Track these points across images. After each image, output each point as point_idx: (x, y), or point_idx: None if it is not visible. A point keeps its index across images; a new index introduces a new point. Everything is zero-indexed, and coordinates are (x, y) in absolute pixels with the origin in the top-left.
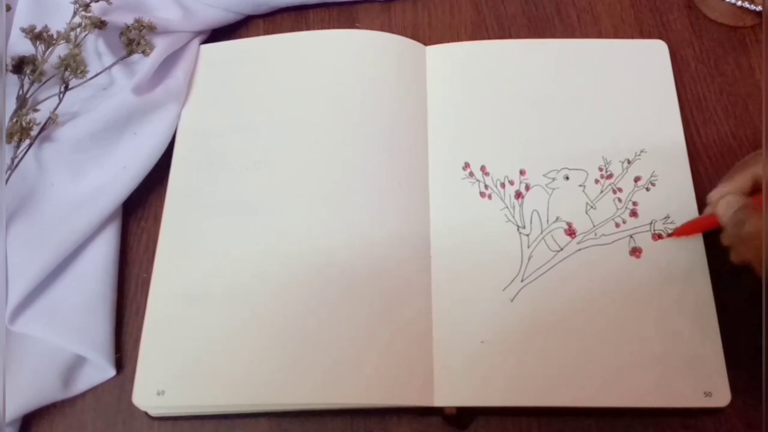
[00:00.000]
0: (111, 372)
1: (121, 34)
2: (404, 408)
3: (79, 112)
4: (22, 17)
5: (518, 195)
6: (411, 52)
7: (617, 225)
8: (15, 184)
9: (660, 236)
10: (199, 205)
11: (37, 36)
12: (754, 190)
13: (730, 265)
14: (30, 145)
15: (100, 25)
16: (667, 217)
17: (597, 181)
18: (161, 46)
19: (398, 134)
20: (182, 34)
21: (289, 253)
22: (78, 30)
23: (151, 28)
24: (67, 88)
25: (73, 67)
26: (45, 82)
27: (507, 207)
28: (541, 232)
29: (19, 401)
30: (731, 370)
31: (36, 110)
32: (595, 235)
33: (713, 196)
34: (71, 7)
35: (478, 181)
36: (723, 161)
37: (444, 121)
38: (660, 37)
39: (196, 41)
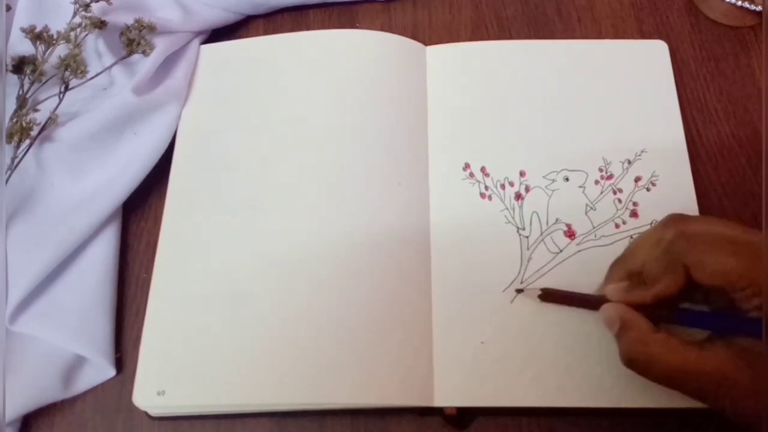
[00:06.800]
0: (111, 372)
1: (121, 34)
2: (404, 408)
3: (79, 112)
4: (22, 17)
5: (518, 196)
6: (411, 52)
7: (617, 226)
8: (15, 184)
9: None
10: (199, 205)
11: (37, 36)
12: (631, 286)
13: None
14: (30, 145)
15: (100, 25)
16: None
17: (597, 182)
18: (161, 46)
19: (398, 134)
20: (182, 34)
21: (290, 254)
22: (78, 30)
23: (151, 28)
24: (67, 88)
25: (73, 67)
26: (45, 82)
27: (507, 208)
28: (541, 234)
29: (19, 401)
30: None
31: (36, 110)
32: (595, 236)
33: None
34: (71, 7)
35: (479, 182)
36: (723, 161)
37: (444, 122)
38: (660, 37)
39: (196, 41)
